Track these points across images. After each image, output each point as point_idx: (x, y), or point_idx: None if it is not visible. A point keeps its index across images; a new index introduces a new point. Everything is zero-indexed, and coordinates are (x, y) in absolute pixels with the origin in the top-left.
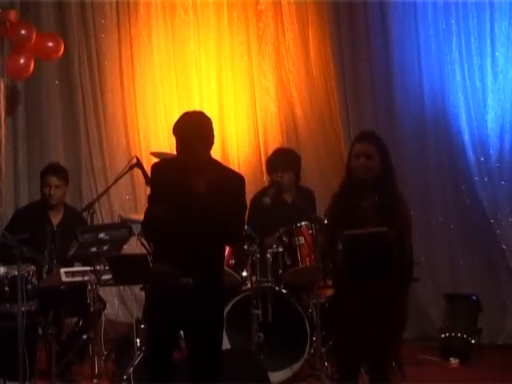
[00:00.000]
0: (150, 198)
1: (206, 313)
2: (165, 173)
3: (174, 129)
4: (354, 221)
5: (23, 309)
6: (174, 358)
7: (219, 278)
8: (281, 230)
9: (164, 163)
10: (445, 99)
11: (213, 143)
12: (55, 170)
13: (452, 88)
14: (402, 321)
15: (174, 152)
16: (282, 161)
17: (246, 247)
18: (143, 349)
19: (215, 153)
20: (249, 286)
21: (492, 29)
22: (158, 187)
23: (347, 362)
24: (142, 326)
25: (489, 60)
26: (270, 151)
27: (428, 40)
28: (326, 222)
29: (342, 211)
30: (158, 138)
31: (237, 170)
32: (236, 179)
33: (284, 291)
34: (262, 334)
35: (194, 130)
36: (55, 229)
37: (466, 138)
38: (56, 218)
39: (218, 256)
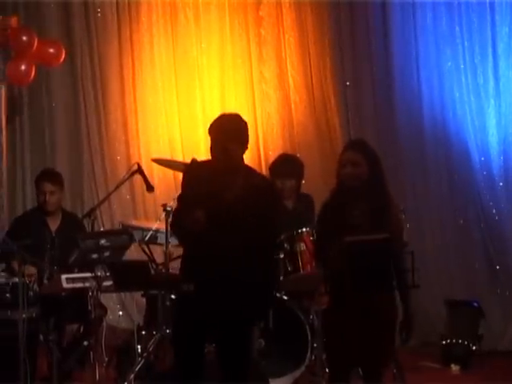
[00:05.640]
0: (181, 200)
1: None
2: (197, 175)
3: (209, 128)
4: (344, 229)
5: (24, 315)
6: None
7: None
8: (282, 237)
9: (197, 164)
10: (445, 102)
11: (247, 147)
12: (49, 176)
13: (453, 89)
14: (395, 328)
15: (175, 158)
16: (286, 168)
17: None
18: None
19: None
20: None
21: (493, 34)
22: (189, 189)
23: (337, 367)
24: (144, 333)
25: (490, 65)
26: (271, 157)
27: (428, 42)
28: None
29: (332, 220)
30: (158, 145)
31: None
32: (266, 184)
33: (285, 298)
34: (263, 341)
35: (228, 130)
36: (54, 235)
37: (466, 142)
38: (54, 224)
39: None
